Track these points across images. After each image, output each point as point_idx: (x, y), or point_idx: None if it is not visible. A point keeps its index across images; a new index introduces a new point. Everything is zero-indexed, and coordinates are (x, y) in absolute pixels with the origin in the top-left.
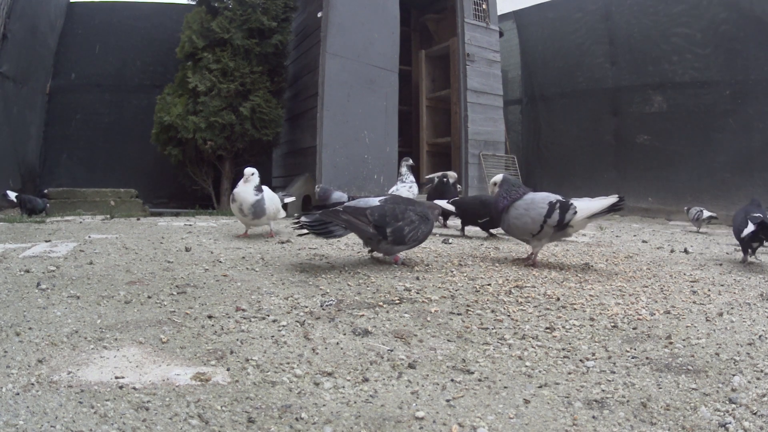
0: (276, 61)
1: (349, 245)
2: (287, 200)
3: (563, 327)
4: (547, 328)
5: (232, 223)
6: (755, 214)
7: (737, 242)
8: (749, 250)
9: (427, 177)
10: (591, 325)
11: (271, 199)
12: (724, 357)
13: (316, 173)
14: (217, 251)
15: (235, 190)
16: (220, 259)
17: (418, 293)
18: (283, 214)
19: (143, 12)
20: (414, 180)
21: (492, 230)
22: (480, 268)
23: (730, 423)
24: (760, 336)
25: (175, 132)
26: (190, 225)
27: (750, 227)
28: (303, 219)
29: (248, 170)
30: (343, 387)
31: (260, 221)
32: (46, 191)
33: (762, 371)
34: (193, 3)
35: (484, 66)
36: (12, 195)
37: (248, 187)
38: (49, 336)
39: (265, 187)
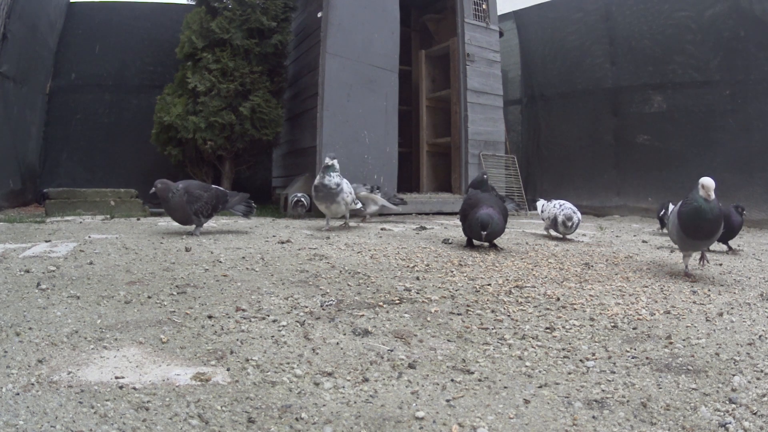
0: (276, 61)
1: (349, 245)
2: None
3: (563, 327)
4: (547, 328)
5: (232, 223)
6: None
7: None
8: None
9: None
10: (591, 325)
11: None
12: (724, 357)
13: (316, 173)
14: (217, 251)
15: None
16: (220, 259)
17: (418, 293)
18: None
19: (143, 12)
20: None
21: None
22: (480, 268)
23: (730, 423)
24: (760, 336)
25: (175, 132)
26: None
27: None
28: None
29: None
30: (343, 387)
31: None
32: (45, 191)
33: (762, 371)
34: (193, 3)
35: (484, 66)
36: None
37: None
38: (49, 336)
39: None
